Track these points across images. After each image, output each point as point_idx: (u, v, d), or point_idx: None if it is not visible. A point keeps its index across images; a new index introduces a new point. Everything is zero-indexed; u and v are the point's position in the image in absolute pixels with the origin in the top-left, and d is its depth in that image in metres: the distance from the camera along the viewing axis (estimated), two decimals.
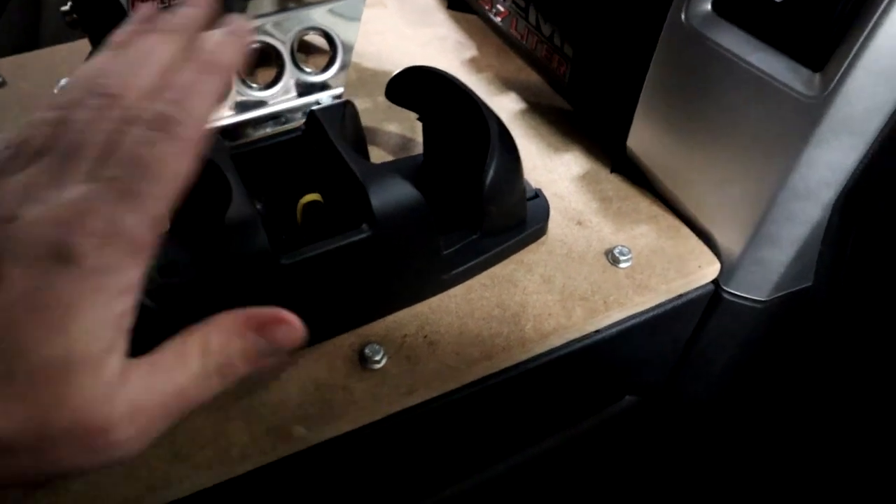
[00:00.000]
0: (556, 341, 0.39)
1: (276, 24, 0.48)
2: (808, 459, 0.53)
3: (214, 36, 0.28)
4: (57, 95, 0.27)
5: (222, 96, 0.27)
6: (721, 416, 0.55)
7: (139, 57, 0.26)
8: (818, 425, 0.50)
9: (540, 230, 0.42)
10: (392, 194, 0.34)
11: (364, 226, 0.35)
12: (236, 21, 0.29)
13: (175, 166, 0.24)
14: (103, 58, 0.27)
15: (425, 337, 0.38)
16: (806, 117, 0.34)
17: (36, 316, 0.21)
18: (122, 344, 0.23)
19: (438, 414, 0.37)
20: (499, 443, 0.47)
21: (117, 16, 0.42)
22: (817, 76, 0.34)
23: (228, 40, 0.28)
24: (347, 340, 0.37)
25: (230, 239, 0.33)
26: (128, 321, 0.23)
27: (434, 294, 0.39)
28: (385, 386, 0.36)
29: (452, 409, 0.38)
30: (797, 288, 0.43)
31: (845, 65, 0.32)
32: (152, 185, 0.23)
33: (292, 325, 0.27)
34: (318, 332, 0.37)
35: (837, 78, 0.33)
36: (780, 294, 0.43)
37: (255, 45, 0.48)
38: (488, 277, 0.41)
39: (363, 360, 0.36)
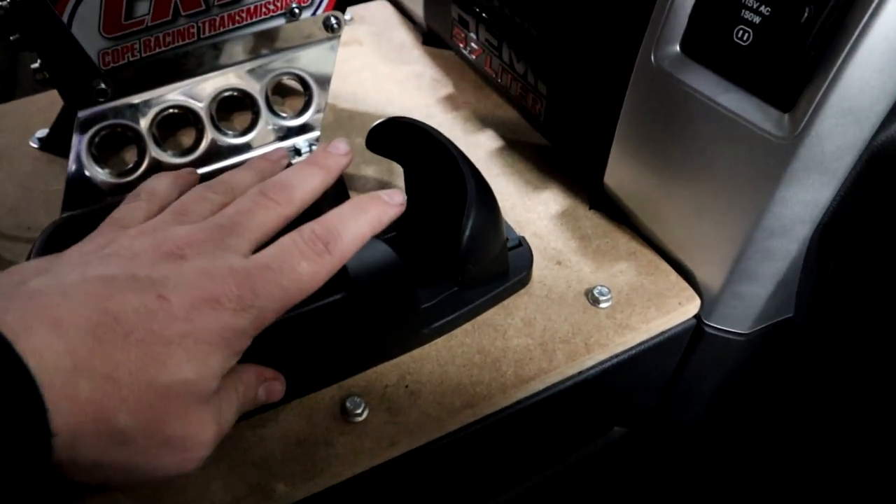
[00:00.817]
0: (538, 386, 0.38)
1: (250, 72, 0.48)
2: (795, 483, 0.52)
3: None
4: (229, 183, 0.35)
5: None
6: (709, 442, 0.55)
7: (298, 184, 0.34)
8: (804, 450, 0.50)
9: (523, 279, 0.42)
10: (367, 256, 0.33)
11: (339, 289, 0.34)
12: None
13: (315, 281, 0.30)
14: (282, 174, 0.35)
15: (406, 387, 0.37)
16: (777, 157, 0.34)
17: (183, 343, 0.26)
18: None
19: (422, 461, 0.37)
20: (485, 481, 0.47)
21: (89, 73, 0.42)
22: (786, 116, 0.34)
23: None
24: (329, 393, 0.37)
25: None
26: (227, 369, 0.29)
27: (414, 348, 0.39)
28: (367, 439, 0.35)
29: (435, 455, 0.37)
30: (778, 319, 0.43)
31: (814, 105, 0.32)
32: (290, 285, 0.29)
33: (283, 383, 0.34)
34: (299, 388, 0.36)
35: (807, 118, 0.33)
36: (761, 326, 0.43)
37: (228, 93, 0.48)
38: (469, 323, 0.40)
39: (345, 413, 0.36)
